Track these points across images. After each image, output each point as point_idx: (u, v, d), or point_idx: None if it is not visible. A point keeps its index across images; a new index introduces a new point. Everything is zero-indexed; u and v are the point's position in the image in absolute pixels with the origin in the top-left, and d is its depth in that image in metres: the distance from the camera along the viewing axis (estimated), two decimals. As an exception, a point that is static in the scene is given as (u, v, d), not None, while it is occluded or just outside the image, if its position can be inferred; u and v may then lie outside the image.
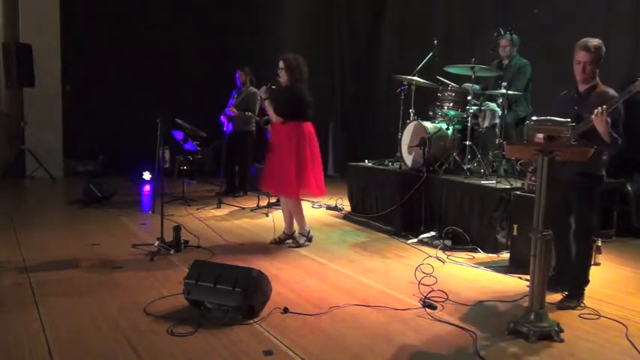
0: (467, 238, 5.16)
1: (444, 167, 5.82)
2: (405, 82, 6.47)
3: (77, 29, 9.45)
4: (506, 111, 5.71)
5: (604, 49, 3.56)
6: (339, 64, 10.41)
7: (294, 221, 5.19)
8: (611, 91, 3.55)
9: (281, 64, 4.97)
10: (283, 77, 4.98)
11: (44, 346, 2.92)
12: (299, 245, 5.09)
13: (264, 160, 5.25)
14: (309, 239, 5.20)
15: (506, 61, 6.08)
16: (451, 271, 4.51)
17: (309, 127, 5.02)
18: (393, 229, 5.88)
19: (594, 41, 3.55)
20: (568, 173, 3.54)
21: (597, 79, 3.64)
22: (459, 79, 6.32)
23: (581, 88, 3.67)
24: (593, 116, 3.38)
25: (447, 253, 5.00)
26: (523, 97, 6.02)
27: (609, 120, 3.36)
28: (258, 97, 6.68)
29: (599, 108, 3.35)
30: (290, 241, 5.19)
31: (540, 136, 3.46)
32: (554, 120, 3.20)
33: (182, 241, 4.88)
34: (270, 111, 5.05)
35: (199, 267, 3.49)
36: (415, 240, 5.42)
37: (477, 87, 6.06)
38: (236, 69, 7.73)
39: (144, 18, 9.73)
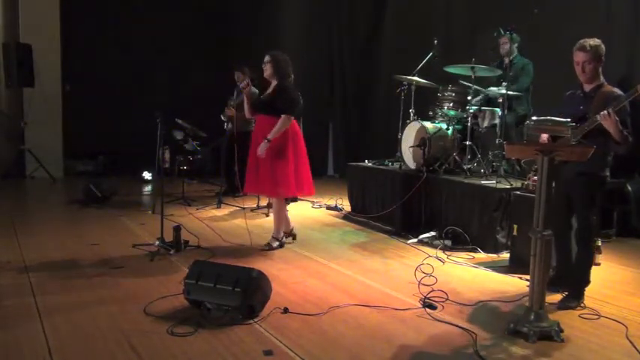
0: (467, 238, 5.16)
1: (444, 167, 5.82)
2: (405, 82, 6.47)
3: (77, 29, 9.45)
4: (506, 111, 5.71)
5: (603, 47, 3.55)
6: (339, 64, 10.41)
7: (280, 222, 5.14)
8: (617, 91, 3.52)
9: (267, 58, 4.97)
10: (267, 71, 4.98)
11: (44, 347, 2.92)
12: (271, 248, 5.02)
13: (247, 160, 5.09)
14: (282, 245, 5.13)
15: (507, 60, 6.08)
16: (451, 271, 4.51)
17: (296, 125, 5.03)
18: (393, 229, 5.88)
19: (591, 40, 3.55)
20: (571, 174, 3.54)
21: (602, 78, 3.62)
22: (458, 79, 6.32)
23: (587, 88, 3.67)
24: (599, 118, 3.37)
25: (447, 253, 5.00)
26: (524, 96, 6.03)
27: (617, 119, 3.36)
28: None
29: (606, 110, 3.34)
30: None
31: (544, 136, 3.46)
32: (553, 120, 3.21)
33: (182, 241, 4.88)
34: (247, 104, 5.10)
35: (199, 267, 3.49)
36: (415, 240, 5.42)
37: (495, 90, 6.00)
38: (234, 71, 7.73)
39: (144, 18, 9.73)
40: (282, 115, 4.82)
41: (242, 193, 7.69)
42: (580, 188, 3.62)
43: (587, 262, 3.77)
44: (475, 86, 5.83)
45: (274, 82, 4.99)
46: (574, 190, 3.65)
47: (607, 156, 3.60)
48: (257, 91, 5.82)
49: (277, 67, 4.92)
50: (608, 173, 3.67)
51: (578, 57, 3.57)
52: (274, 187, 4.88)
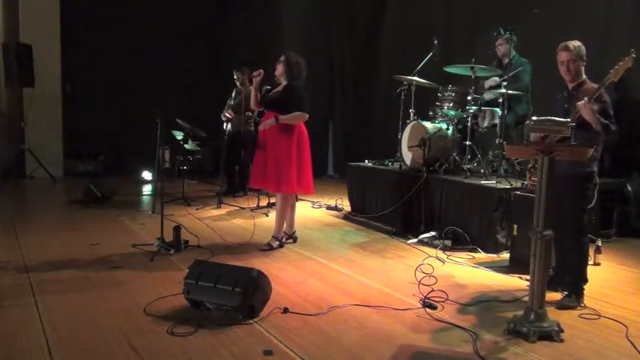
0: (467, 238, 5.16)
1: (443, 167, 5.83)
2: (405, 82, 6.47)
3: (77, 29, 9.45)
4: (506, 111, 5.71)
5: (584, 49, 3.70)
6: (339, 64, 10.41)
7: (286, 221, 5.17)
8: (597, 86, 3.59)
9: (282, 57, 5.02)
10: (279, 70, 5.03)
11: (44, 346, 2.92)
12: (271, 248, 5.01)
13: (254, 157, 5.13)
14: (282, 245, 5.13)
15: (506, 60, 6.09)
16: (451, 271, 4.51)
17: (303, 126, 5.06)
18: (393, 229, 5.88)
19: (573, 42, 3.71)
20: (560, 171, 3.54)
21: (584, 76, 3.75)
22: (459, 79, 6.32)
23: (570, 86, 3.79)
24: (579, 106, 3.45)
25: (447, 253, 5.00)
26: (523, 96, 6.03)
27: (594, 108, 3.43)
28: None
29: (584, 99, 3.44)
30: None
31: (535, 135, 3.49)
32: (553, 120, 3.22)
33: (182, 241, 4.88)
34: (254, 95, 5.14)
35: (199, 267, 3.49)
36: (415, 240, 5.42)
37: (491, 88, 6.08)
38: (234, 71, 7.73)
39: (144, 18, 9.74)
40: (298, 112, 4.90)
41: (241, 192, 7.77)
42: (568, 186, 3.63)
43: (582, 260, 3.77)
44: (497, 90, 5.86)
45: (284, 82, 5.03)
46: (563, 188, 3.65)
47: (593, 151, 3.62)
48: None
49: (289, 68, 4.97)
50: (595, 168, 3.71)
51: (562, 56, 3.71)
52: (278, 184, 4.95)
